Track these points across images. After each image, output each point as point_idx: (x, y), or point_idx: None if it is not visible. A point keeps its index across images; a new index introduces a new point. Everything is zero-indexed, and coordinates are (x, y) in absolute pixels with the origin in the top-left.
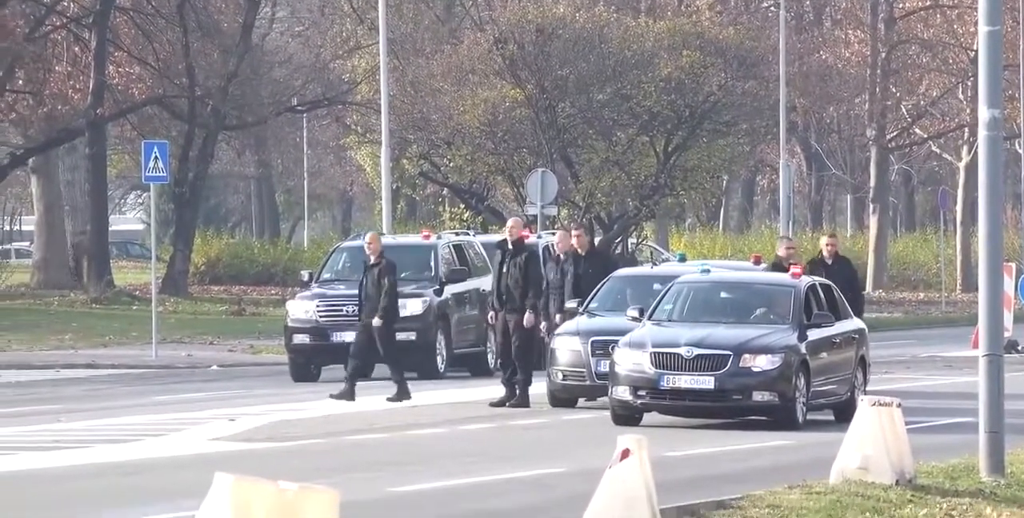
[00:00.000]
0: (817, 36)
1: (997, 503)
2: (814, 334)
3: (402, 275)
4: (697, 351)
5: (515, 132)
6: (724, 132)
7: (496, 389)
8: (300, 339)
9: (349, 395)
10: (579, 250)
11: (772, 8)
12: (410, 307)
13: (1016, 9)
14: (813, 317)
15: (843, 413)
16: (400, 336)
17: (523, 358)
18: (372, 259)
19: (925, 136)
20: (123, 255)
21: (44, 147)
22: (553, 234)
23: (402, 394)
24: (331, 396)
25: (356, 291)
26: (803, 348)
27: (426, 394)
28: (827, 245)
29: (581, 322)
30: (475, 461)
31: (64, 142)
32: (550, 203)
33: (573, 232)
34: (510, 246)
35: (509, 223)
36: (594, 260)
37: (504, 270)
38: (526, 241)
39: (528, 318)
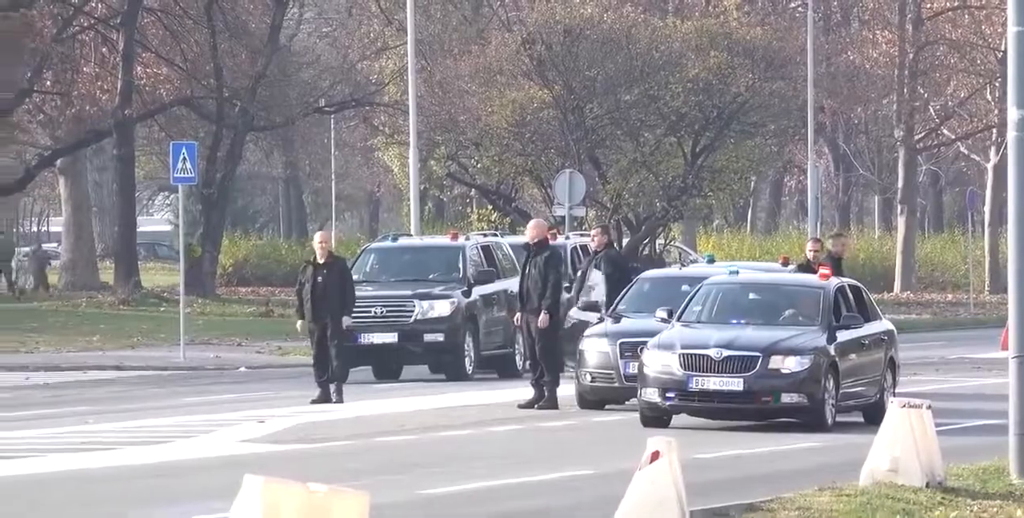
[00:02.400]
0: (845, 37)
1: None
2: (843, 336)
3: (430, 276)
4: (726, 352)
5: (543, 133)
6: (752, 133)
7: (525, 391)
8: None
9: (327, 397)
10: (596, 249)
11: (800, 9)
12: (438, 309)
13: None
14: (842, 318)
15: (872, 415)
16: (428, 338)
17: (549, 359)
18: (322, 259)
19: (953, 137)
20: (151, 256)
21: (72, 148)
22: (583, 235)
23: (336, 394)
24: (312, 401)
25: (384, 292)
26: (832, 350)
27: (454, 396)
28: (810, 251)
29: (609, 324)
30: (504, 463)
31: (92, 143)
32: (578, 204)
33: (592, 231)
34: (532, 247)
35: (530, 225)
36: (606, 261)
37: (526, 271)
38: (550, 243)
39: (543, 319)
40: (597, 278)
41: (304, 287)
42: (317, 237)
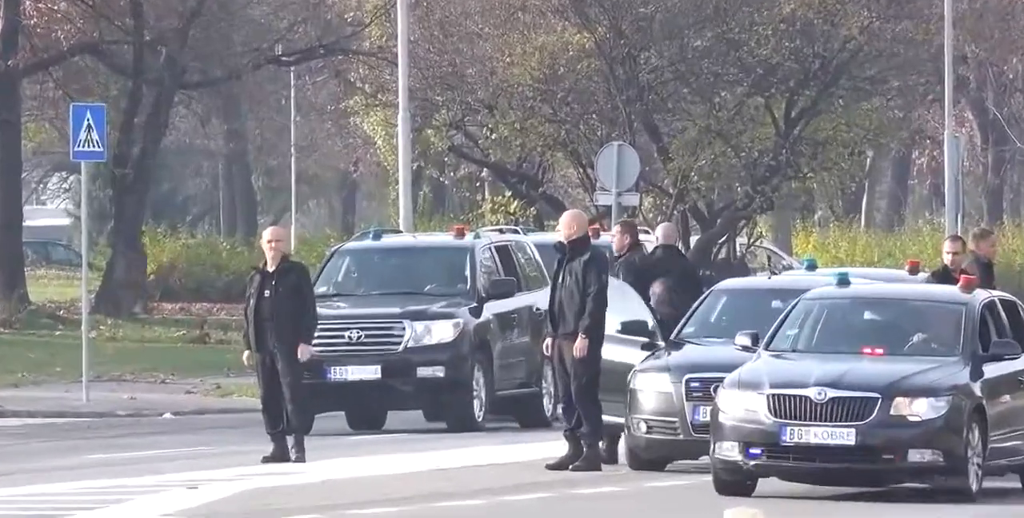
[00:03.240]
0: None
1: None
2: (993, 370)
3: (426, 288)
4: (832, 393)
5: (581, 92)
6: (868, 92)
7: (556, 446)
8: None
9: (283, 453)
10: (618, 252)
11: None
12: (437, 332)
13: None
14: (991, 346)
15: None
16: (423, 372)
17: (589, 403)
18: (273, 265)
19: None
20: (42, 260)
21: None
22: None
23: (296, 449)
24: (263, 459)
25: (362, 309)
26: (978, 389)
27: (459, 452)
28: (948, 253)
29: (672, 354)
30: None
31: None
32: (629, 189)
33: (615, 228)
34: (567, 248)
35: (563, 218)
36: (624, 269)
37: (559, 280)
38: (591, 242)
39: (581, 346)
40: (659, 292)
41: (248, 301)
42: (267, 235)
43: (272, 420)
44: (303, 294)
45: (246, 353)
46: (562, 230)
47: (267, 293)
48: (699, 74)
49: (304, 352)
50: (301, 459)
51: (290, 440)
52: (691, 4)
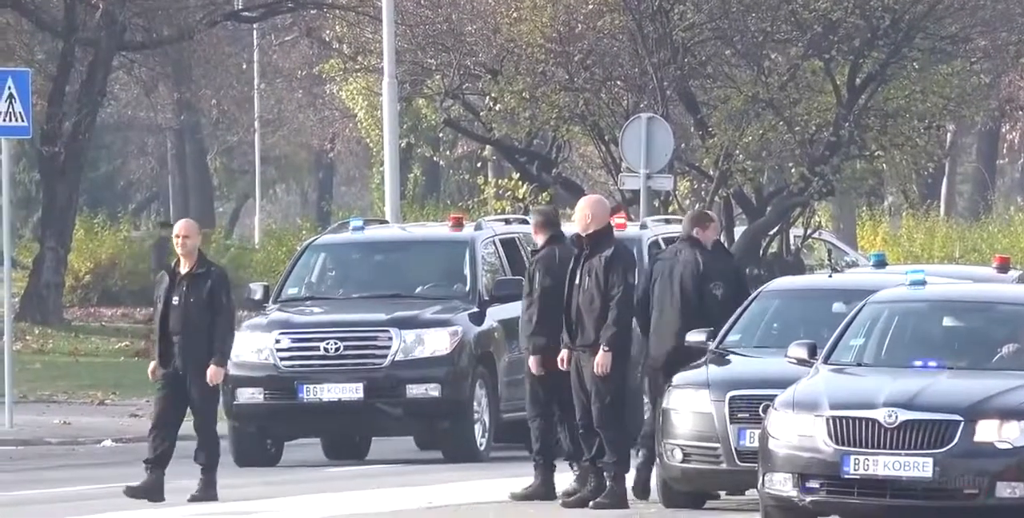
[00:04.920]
0: None
1: None
2: None
3: (417, 290)
4: (905, 416)
5: (603, 53)
6: (948, 53)
7: (572, 477)
8: (249, 396)
9: (152, 491)
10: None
11: None
12: (431, 343)
13: None
14: None
15: None
16: (414, 391)
17: (613, 427)
18: (187, 266)
19: None
20: None
21: None
22: (667, 221)
23: (207, 489)
24: (126, 492)
25: (341, 316)
26: None
27: (457, 487)
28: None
29: (713, 366)
30: None
31: None
32: (661, 171)
33: (531, 217)
34: (584, 242)
35: (579, 205)
36: (538, 265)
37: (576, 281)
38: (614, 234)
39: (603, 360)
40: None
41: (157, 310)
42: (175, 228)
43: (155, 445)
44: (219, 304)
45: (151, 365)
46: (577, 221)
47: (176, 300)
48: (744, 32)
49: (215, 375)
50: (207, 498)
51: (202, 476)
52: None
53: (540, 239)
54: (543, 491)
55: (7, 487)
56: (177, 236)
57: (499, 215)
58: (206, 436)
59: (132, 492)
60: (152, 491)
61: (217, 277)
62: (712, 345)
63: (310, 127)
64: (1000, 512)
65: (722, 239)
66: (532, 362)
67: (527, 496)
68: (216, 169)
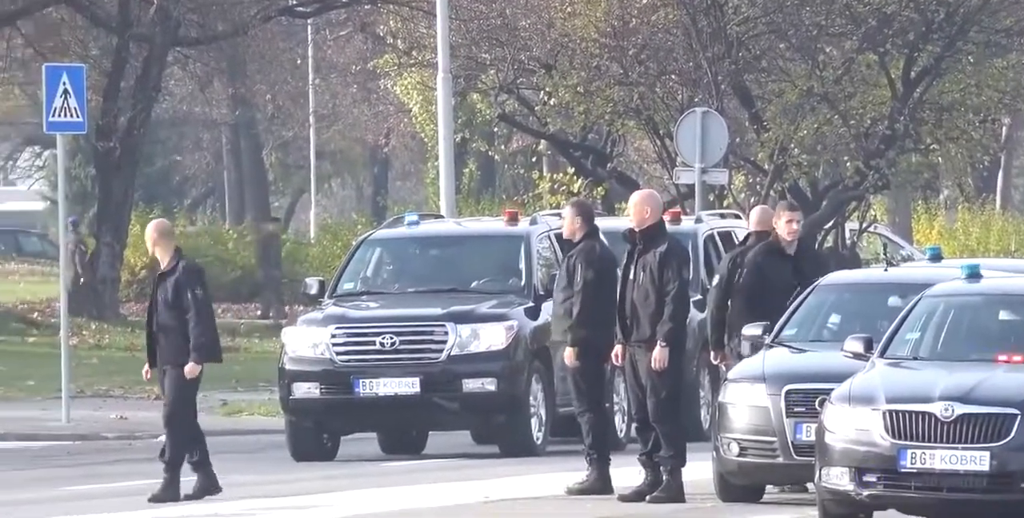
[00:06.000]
0: None
1: None
2: None
3: (472, 284)
4: (961, 409)
5: (658, 48)
6: (1003, 46)
7: (629, 473)
8: (305, 390)
9: (171, 491)
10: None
11: None
12: (487, 337)
13: None
14: None
15: None
16: (470, 386)
17: (669, 422)
18: (164, 265)
19: None
20: (11, 252)
21: None
22: (721, 216)
23: (168, 489)
24: (150, 499)
25: (397, 310)
26: None
27: (514, 481)
28: (788, 222)
29: (769, 361)
30: None
31: None
32: (716, 165)
33: (565, 209)
34: (638, 237)
35: (633, 200)
36: (582, 257)
37: (631, 277)
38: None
39: (659, 356)
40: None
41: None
42: (148, 229)
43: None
44: (184, 300)
45: (145, 367)
46: (632, 215)
47: (159, 299)
48: (799, 26)
49: (191, 371)
50: (168, 498)
51: (164, 475)
52: None
53: (578, 232)
54: (599, 485)
55: (64, 482)
56: (156, 236)
57: (554, 210)
58: (174, 435)
59: (192, 496)
60: (209, 486)
61: (183, 272)
62: (768, 339)
63: (365, 122)
64: None
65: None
66: (569, 353)
67: (583, 491)
68: (271, 164)
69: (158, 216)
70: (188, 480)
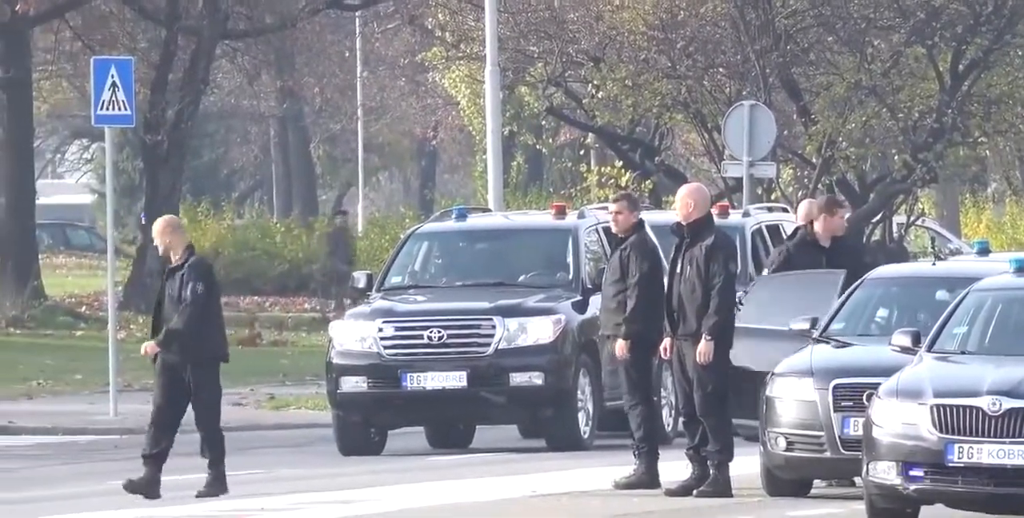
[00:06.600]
0: None
1: None
2: None
3: (520, 278)
4: (1009, 403)
5: (706, 41)
6: None
7: (676, 467)
8: (353, 384)
9: (149, 486)
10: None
11: None
12: (534, 331)
13: None
14: None
15: None
16: (517, 379)
17: (716, 416)
18: (175, 258)
19: None
20: (60, 246)
21: None
22: (768, 210)
23: (216, 484)
24: (126, 487)
25: (444, 304)
26: None
27: (561, 475)
28: (830, 218)
29: (816, 355)
30: None
31: None
32: (764, 158)
33: (611, 206)
34: (685, 230)
35: (680, 194)
36: (635, 250)
37: (678, 270)
38: (714, 222)
39: (705, 349)
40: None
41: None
42: (153, 230)
43: (155, 439)
44: (184, 294)
45: (146, 344)
46: (679, 209)
47: (167, 295)
48: (847, 19)
49: (150, 349)
50: (215, 493)
51: (210, 470)
52: None
53: (625, 224)
54: (647, 479)
55: (112, 476)
56: (163, 234)
57: (602, 203)
58: (209, 432)
59: (129, 487)
60: (149, 486)
61: (190, 268)
62: (816, 333)
63: (413, 115)
64: None
65: None
66: (621, 346)
67: (630, 484)
68: (319, 157)
69: (206, 209)
70: (196, 477)
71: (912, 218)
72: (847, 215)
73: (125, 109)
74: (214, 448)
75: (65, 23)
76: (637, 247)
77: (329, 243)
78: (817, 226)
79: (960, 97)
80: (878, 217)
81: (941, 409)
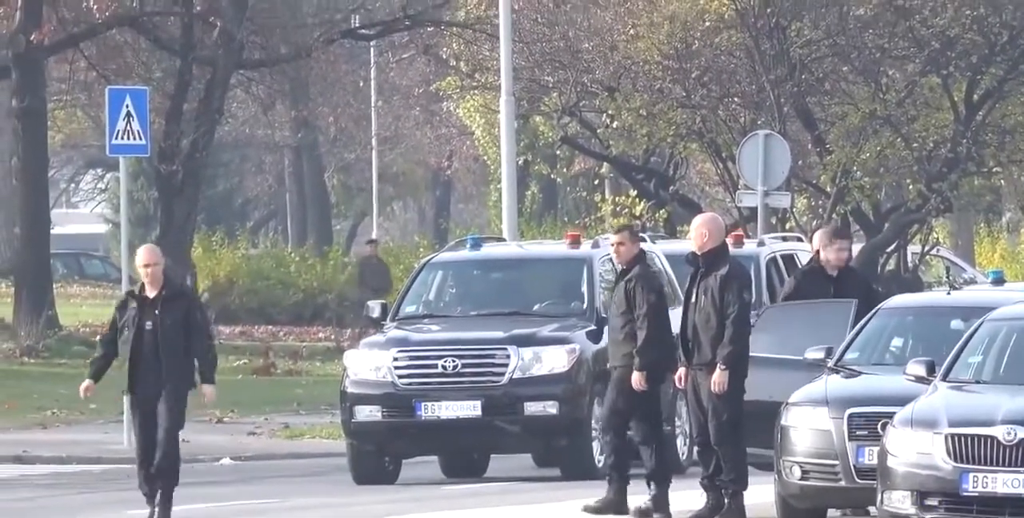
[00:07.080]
0: None
1: None
2: None
3: (535, 307)
4: None
5: (720, 70)
6: None
7: (691, 496)
8: (367, 414)
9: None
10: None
11: None
12: (549, 360)
13: None
14: None
15: None
16: (532, 409)
17: (731, 445)
18: (153, 291)
19: None
20: (74, 275)
21: None
22: (783, 239)
23: (164, 510)
24: None
25: (459, 334)
26: None
27: (576, 505)
28: (838, 251)
29: (831, 384)
30: None
31: None
32: (778, 188)
33: (613, 237)
34: (700, 260)
35: (695, 223)
36: (640, 282)
37: (692, 300)
38: (729, 252)
39: (719, 379)
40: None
41: (122, 334)
42: (140, 258)
43: (149, 479)
44: (195, 326)
45: (85, 383)
46: (694, 239)
47: (148, 325)
48: (862, 49)
49: (211, 395)
50: None
51: (156, 498)
52: None
53: (627, 255)
54: (616, 504)
55: (126, 506)
56: (146, 266)
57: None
58: (169, 457)
59: None
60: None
61: (191, 298)
62: (831, 362)
63: (427, 144)
64: None
65: None
66: (638, 378)
67: (599, 509)
68: (334, 186)
69: (220, 238)
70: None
71: (927, 248)
72: (847, 246)
73: (140, 139)
74: (171, 473)
75: (80, 53)
76: (642, 278)
77: (360, 273)
78: (823, 255)
79: (975, 127)
80: (893, 247)
81: (956, 438)
